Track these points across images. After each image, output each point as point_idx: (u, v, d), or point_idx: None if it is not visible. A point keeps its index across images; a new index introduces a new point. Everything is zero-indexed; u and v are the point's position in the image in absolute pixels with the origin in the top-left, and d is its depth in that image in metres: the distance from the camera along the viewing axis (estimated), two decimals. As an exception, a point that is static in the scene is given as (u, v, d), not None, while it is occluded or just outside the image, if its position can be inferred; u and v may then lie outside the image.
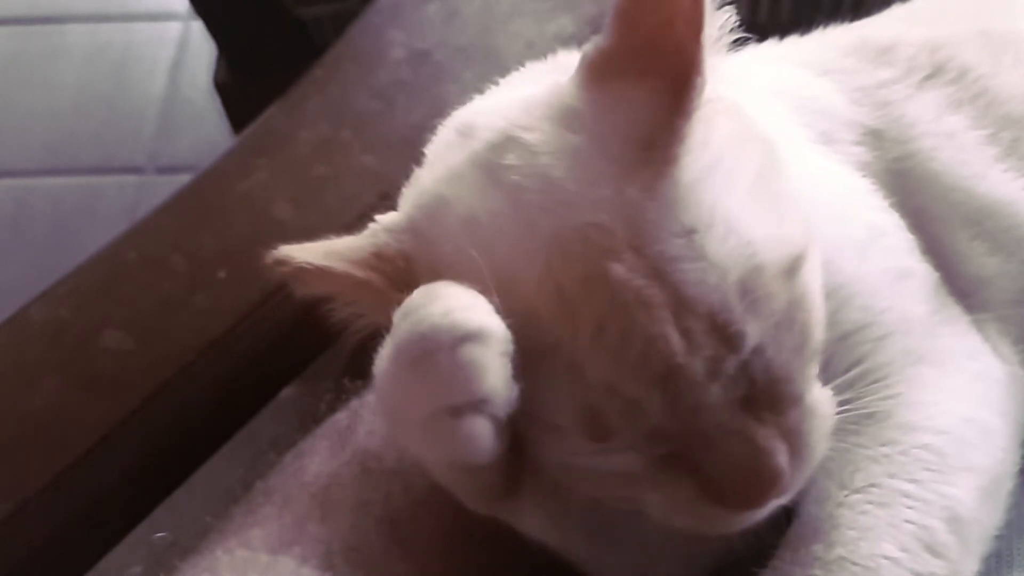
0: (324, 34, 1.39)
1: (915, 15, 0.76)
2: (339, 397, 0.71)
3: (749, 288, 0.50)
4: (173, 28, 2.00)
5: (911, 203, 0.65)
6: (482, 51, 0.91)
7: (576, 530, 0.60)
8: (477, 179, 0.54)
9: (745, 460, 0.51)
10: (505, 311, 0.49)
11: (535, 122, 0.54)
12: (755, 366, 0.51)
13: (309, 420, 0.70)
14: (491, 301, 0.50)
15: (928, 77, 0.69)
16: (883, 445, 0.58)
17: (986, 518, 0.59)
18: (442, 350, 0.48)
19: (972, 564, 0.58)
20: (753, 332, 0.50)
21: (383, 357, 0.52)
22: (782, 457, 0.52)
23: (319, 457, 0.67)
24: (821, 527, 0.57)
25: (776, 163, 0.55)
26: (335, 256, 0.55)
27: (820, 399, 0.54)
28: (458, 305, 0.49)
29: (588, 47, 0.54)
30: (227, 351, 0.79)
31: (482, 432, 0.49)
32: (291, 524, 0.63)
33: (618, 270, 0.49)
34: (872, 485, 0.57)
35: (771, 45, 0.73)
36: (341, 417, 0.70)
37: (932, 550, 0.56)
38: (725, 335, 0.50)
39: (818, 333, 0.54)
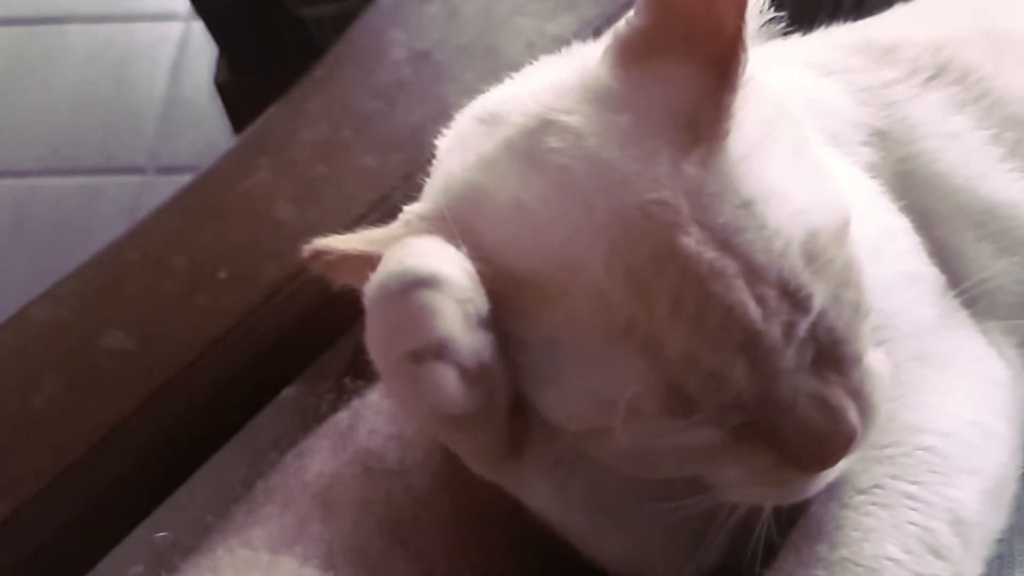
0: (325, 34, 1.39)
1: (917, 15, 0.76)
2: (340, 397, 0.71)
3: (811, 252, 0.51)
4: (174, 28, 2.00)
5: (917, 204, 0.65)
6: (483, 51, 0.91)
7: (578, 505, 0.60)
8: (518, 165, 0.53)
9: (821, 421, 0.51)
10: (567, 298, 0.50)
11: (573, 105, 0.53)
12: (821, 328, 0.51)
13: (311, 419, 0.70)
14: (547, 289, 0.50)
15: (932, 78, 0.69)
16: (887, 447, 0.58)
17: (989, 521, 0.59)
18: (395, 296, 0.49)
19: (975, 566, 0.58)
20: (819, 295, 0.51)
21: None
22: (854, 415, 0.52)
23: (320, 457, 0.67)
24: (824, 528, 0.57)
25: (806, 138, 0.56)
26: (376, 244, 0.54)
27: (876, 359, 0.55)
28: (414, 253, 0.50)
29: (620, 27, 0.54)
30: (228, 351, 0.79)
31: (444, 378, 0.49)
32: (292, 523, 0.63)
33: (688, 242, 0.49)
34: (876, 486, 0.57)
35: (773, 45, 0.73)
36: (342, 417, 0.70)
37: (935, 552, 0.56)
38: (796, 299, 0.50)
39: (868, 295, 0.54)
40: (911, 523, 0.56)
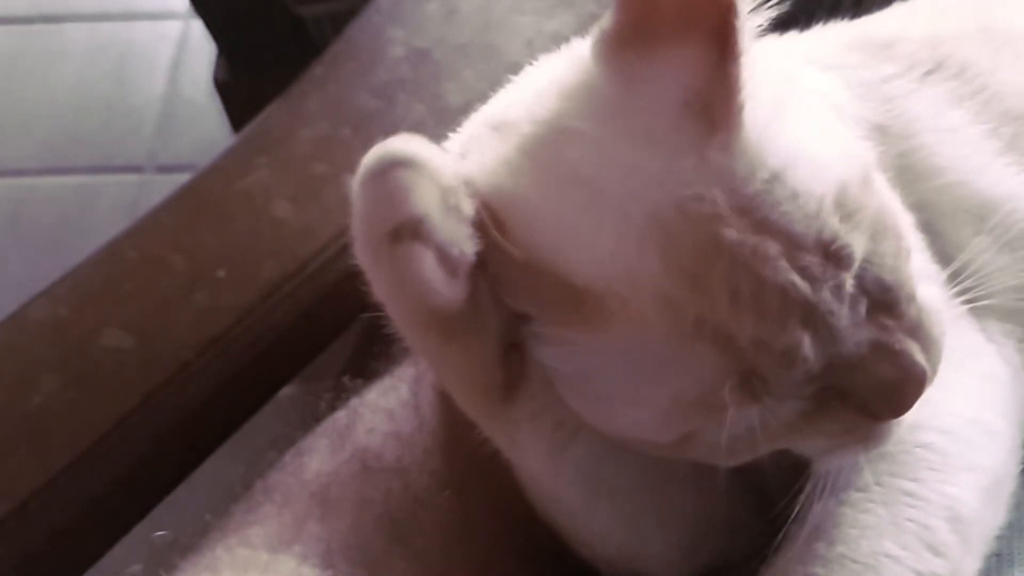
0: (324, 33, 1.39)
1: (915, 12, 0.76)
2: (339, 396, 0.71)
3: (843, 207, 0.51)
4: (173, 27, 2.00)
5: (917, 199, 0.65)
6: (482, 49, 0.91)
7: (573, 474, 0.59)
8: (544, 178, 0.53)
9: (890, 370, 0.52)
10: (631, 308, 0.50)
11: (582, 109, 0.53)
12: (868, 280, 0.52)
13: (309, 418, 0.70)
14: (605, 303, 0.51)
15: (929, 72, 0.69)
16: None
17: (988, 518, 0.59)
18: (376, 177, 0.50)
19: (973, 563, 0.58)
20: (858, 247, 0.51)
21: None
22: (919, 355, 0.53)
23: (319, 455, 0.67)
24: (822, 524, 0.57)
25: (810, 96, 0.57)
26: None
27: (928, 294, 0.55)
28: (399, 140, 0.51)
29: (604, 22, 0.53)
30: (227, 349, 0.79)
31: (421, 255, 0.49)
32: (291, 522, 0.63)
33: (731, 234, 0.50)
34: (874, 483, 0.57)
35: (769, 41, 0.73)
36: (341, 415, 0.70)
37: (933, 549, 0.56)
38: (838, 258, 0.51)
39: (908, 233, 0.54)
40: (909, 520, 0.56)
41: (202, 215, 0.85)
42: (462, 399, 0.57)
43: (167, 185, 0.90)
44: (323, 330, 0.84)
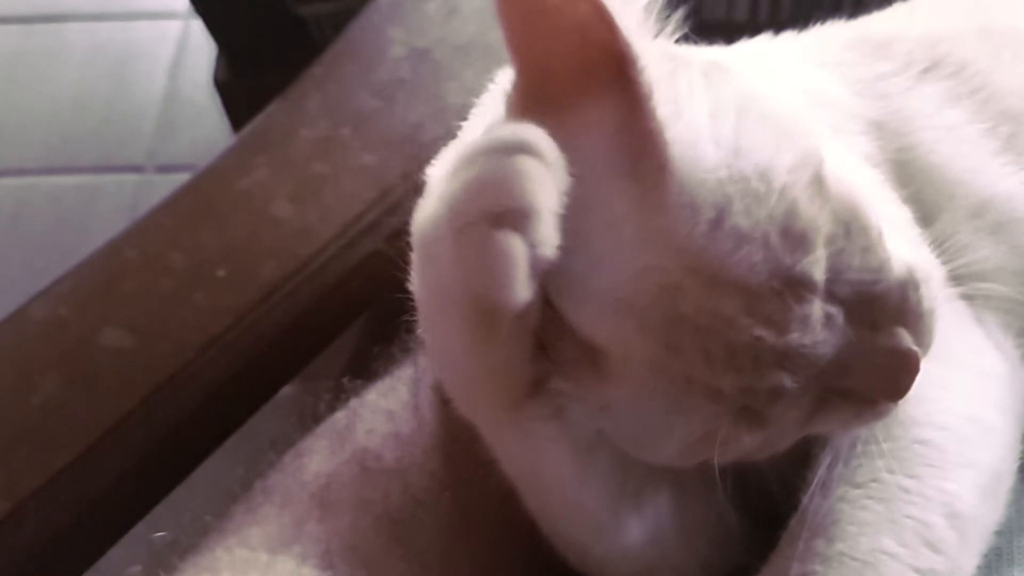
0: (324, 32, 1.39)
1: (914, 12, 0.76)
2: (338, 396, 0.71)
3: (791, 226, 0.51)
4: (173, 27, 2.00)
5: (915, 195, 0.65)
6: (482, 49, 0.91)
7: (599, 477, 0.58)
8: None
9: (881, 364, 0.53)
10: (631, 366, 0.51)
11: None
12: (838, 288, 0.52)
13: (308, 419, 0.70)
14: (612, 357, 0.52)
15: (927, 70, 0.69)
16: (885, 440, 0.58)
17: (986, 515, 0.59)
18: (498, 152, 0.48)
19: (971, 560, 0.58)
20: (818, 264, 0.51)
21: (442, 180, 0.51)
22: (907, 340, 0.53)
23: (318, 456, 0.67)
24: (821, 522, 0.57)
25: (748, 86, 0.55)
26: None
27: (916, 263, 0.55)
28: (525, 127, 0.49)
29: (508, 91, 0.53)
30: (226, 349, 0.79)
31: (516, 248, 0.47)
32: (290, 523, 0.63)
33: (688, 306, 0.50)
34: (872, 480, 0.58)
35: (765, 40, 0.73)
36: (340, 416, 0.70)
37: (931, 546, 0.56)
38: (800, 284, 0.51)
39: (872, 217, 0.53)
40: (908, 517, 0.56)
41: (202, 215, 0.85)
42: (479, 398, 0.55)
43: (167, 185, 0.90)
44: (323, 330, 0.84)
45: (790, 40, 0.73)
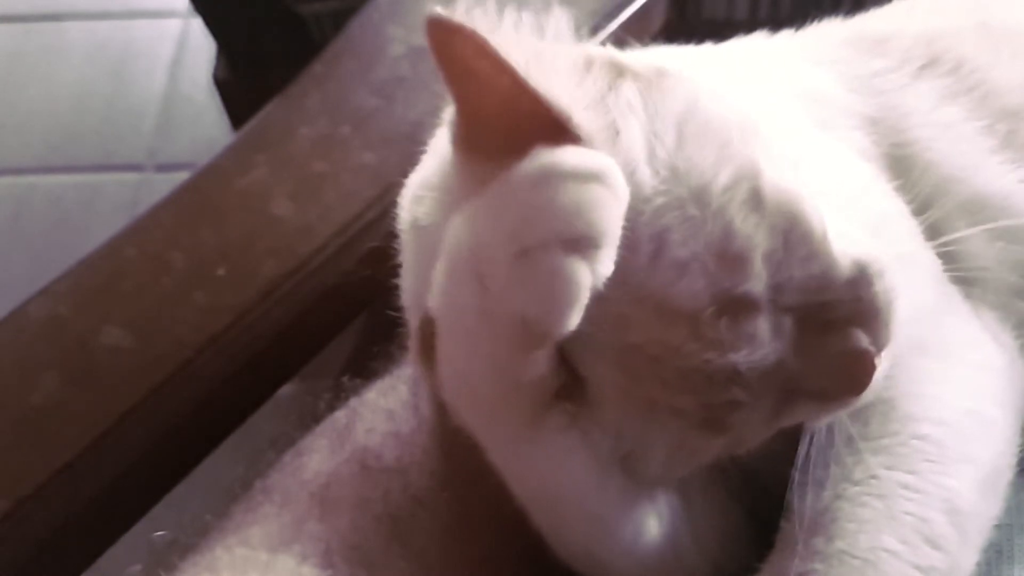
0: (323, 31, 1.39)
1: (913, 8, 0.76)
2: (338, 395, 0.71)
3: (727, 248, 0.51)
4: (173, 25, 2.00)
5: (911, 191, 0.65)
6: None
7: (617, 486, 0.58)
8: None
9: (836, 367, 0.53)
10: (605, 391, 0.53)
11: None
12: (785, 298, 0.52)
13: (308, 418, 0.70)
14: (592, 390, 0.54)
15: (924, 67, 0.69)
16: (883, 436, 0.58)
17: (985, 510, 0.59)
18: (573, 179, 0.48)
19: (971, 556, 0.58)
20: (758, 281, 0.51)
21: (481, 198, 0.50)
22: (860, 341, 0.53)
23: (318, 455, 0.67)
24: (820, 520, 0.57)
25: (692, 94, 0.55)
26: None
27: (869, 257, 0.55)
28: (596, 155, 0.49)
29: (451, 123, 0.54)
30: (226, 348, 0.79)
31: (585, 280, 0.47)
32: (290, 522, 0.63)
33: (637, 336, 0.51)
34: (871, 477, 0.58)
35: (761, 38, 0.73)
36: (340, 415, 0.70)
37: (932, 542, 0.56)
38: (742, 303, 0.51)
39: (814, 220, 0.53)
40: (907, 513, 0.56)
41: (202, 213, 0.85)
42: (498, 416, 0.55)
43: (167, 183, 0.90)
44: (323, 329, 0.84)
45: (788, 38, 0.73)
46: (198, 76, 1.82)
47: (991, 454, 0.60)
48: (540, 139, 0.50)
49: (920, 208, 0.65)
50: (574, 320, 0.48)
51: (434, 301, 0.52)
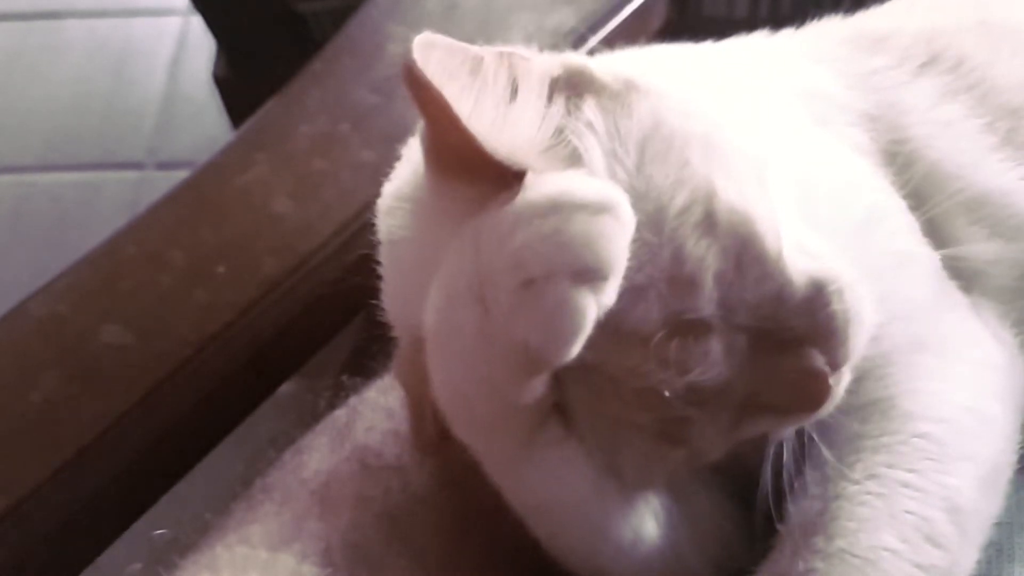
0: (323, 29, 1.39)
1: (914, 7, 0.76)
2: (338, 394, 0.71)
3: (679, 272, 0.51)
4: (172, 23, 2.00)
5: (909, 188, 0.65)
6: (482, 44, 0.91)
7: (614, 488, 0.58)
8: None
9: (790, 385, 0.53)
10: (577, 403, 0.54)
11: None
12: (738, 318, 0.53)
13: (308, 417, 0.70)
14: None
15: (924, 65, 0.69)
16: (883, 435, 0.58)
17: (986, 507, 0.59)
18: (583, 210, 0.48)
19: (972, 554, 0.58)
20: (708, 303, 0.52)
21: (485, 224, 0.50)
22: (814, 361, 0.53)
23: (318, 454, 0.67)
24: (820, 519, 0.57)
25: (657, 107, 0.56)
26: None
27: (823, 274, 0.54)
28: (604, 186, 0.50)
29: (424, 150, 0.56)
30: (226, 346, 0.79)
31: (591, 312, 0.48)
32: (290, 521, 0.63)
33: (596, 358, 0.51)
34: (871, 476, 0.57)
35: (762, 36, 0.73)
36: (340, 414, 0.70)
37: (932, 541, 0.56)
38: (693, 325, 0.52)
39: (768, 241, 0.53)
40: (907, 512, 0.56)
41: (201, 211, 0.85)
42: (496, 436, 0.55)
43: (167, 181, 0.90)
44: (323, 326, 0.84)
45: (789, 37, 0.73)
46: (198, 74, 1.82)
47: (991, 451, 0.60)
48: (505, 175, 0.51)
49: (918, 205, 0.65)
50: (576, 349, 0.48)
51: (430, 319, 0.52)
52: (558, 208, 0.48)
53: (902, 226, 0.64)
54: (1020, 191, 0.66)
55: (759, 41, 0.73)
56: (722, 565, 0.62)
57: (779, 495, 0.59)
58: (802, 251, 0.55)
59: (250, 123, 0.91)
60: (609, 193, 0.49)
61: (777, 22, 0.74)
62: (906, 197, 0.65)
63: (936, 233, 0.64)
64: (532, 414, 0.54)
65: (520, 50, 0.56)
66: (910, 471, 0.57)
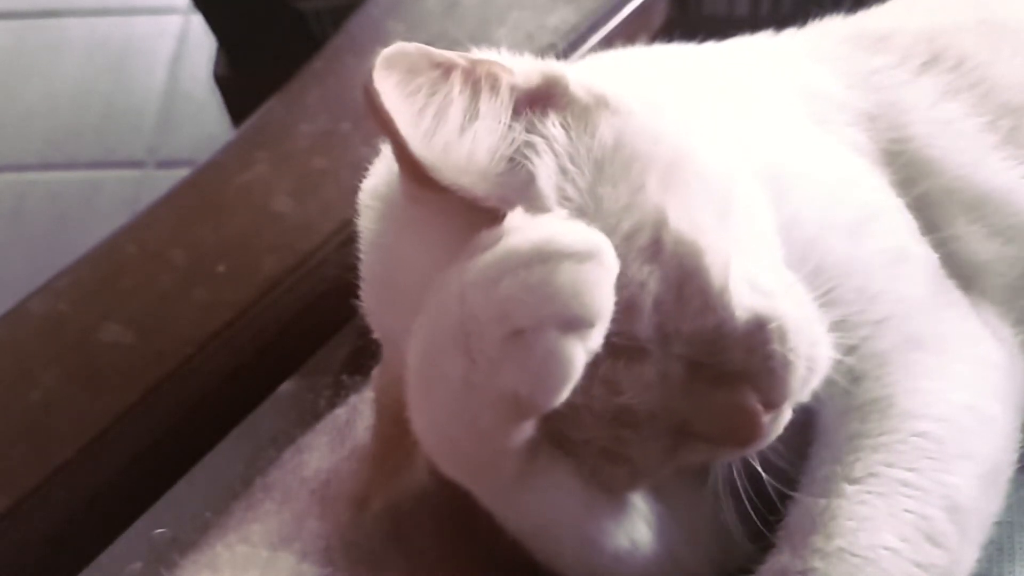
0: (324, 27, 1.39)
1: (915, 6, 0.76)
2: (338, 393, 0.71)
3: (618, 299, 0.50)
4: (173, 22, 2.00)
5: (908, 187, 0.65)
6: (482, 43, 0.91)
7: (605, 502, 0.59)
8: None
9: (721, 420, 0.53)
10: None
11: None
12: (676, 347, 0.52)
13: (308, 416, 0.70)
14: None
15: (925, 64, 0.69)
16: (881, 434, 0.58)
17: (985, 506, 0.59)
18: (568, 258, 0.48)
19: (972, 552, 0.58)
20: (645, 330, 0.52)
21: (469, 271, 0.50)
22: (746, 399, 0.53)
23: (319, 453, 0.67)
24: (819, 518, 0.57)
25: (623, 126, 0.56)
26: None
27: (769, 311, 0.54)
28: (585, 230, 0.49)
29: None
30: (226, 345, 0.79)
31: (580, 361, 0.48)
32: (291, 520, 0.63)
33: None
34: (870, 475, 0.57)
35: (766, 36, 0.73)
36: (340, 413, 0.70)
37: (932, 540, 0.56)
38: (628, 350, 0.52)
39: (714, 274, 0.53)
40: (907, 511, 0.56)
41: (202, 210, 0.85)
42: (485, 474, 0.55)
43: (167, 180, 0.90)
44: (323, 326, 0.84)
45: (792, 37, 0.74)
46: (198, 72, 1.82)
47: (991, 450, 0.60)
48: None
49: (917, 203, 0.65)
50: (565, 395, 0.48)
51: (413, 363, 0.52)
52: (543, 257, 0.48)
53: (898, 224, 0.64)
54: (1021, 190, 0.66)
55: (762, 41, 0.73)
56: (721, 565, 0.62)
57: (779, 495, 0.59)
58: (753, 287, 0.54)
59: (251, 122, 0.91)
60: (593, 240, 0.48)
61: (778, 21, 0.74)
62: (905, 196, 0.65)
63: (935, 232, 0.64)
64: (520, 452, 0.53)
65: (500, 57, 0.56)
66: (909, 470, 0.57)
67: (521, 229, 0.49)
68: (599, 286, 0.48)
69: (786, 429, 0.56)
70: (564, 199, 0.53)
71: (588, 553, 0.58)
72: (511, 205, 0.52)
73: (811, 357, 0.55)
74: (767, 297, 0.54)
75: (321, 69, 0.91)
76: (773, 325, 0.54)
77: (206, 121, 1.76)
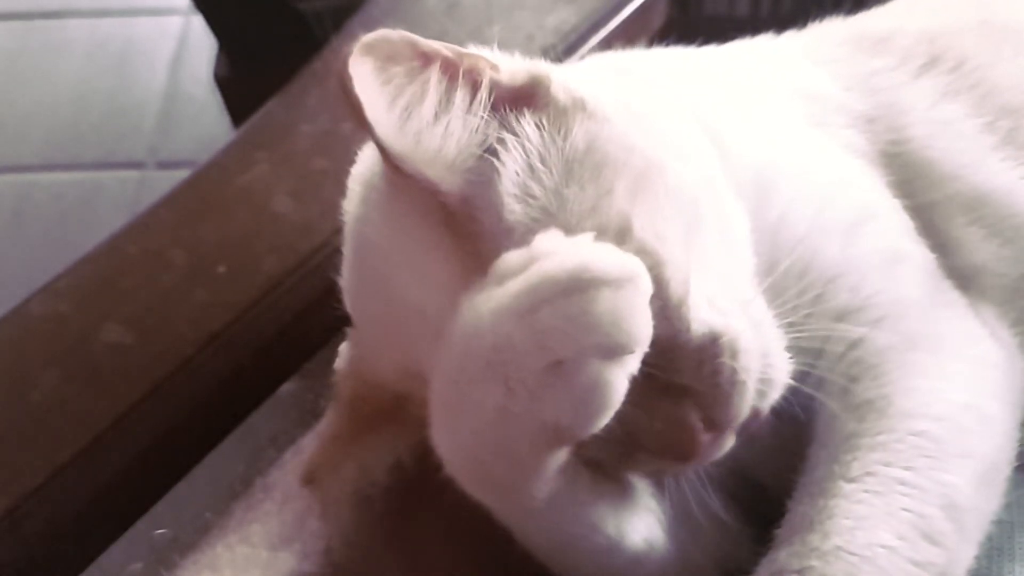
0: (324, 28, 1.39)
1: (915, 7, 0.76)
2: (338, 393, 0.71)
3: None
4: (173, 23, 2.00)
5: (906, 186, 0.65)
6: (482, 44, 0.91)
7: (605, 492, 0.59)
8: None
9: (662, 432, 0.53)
10: None
11: None
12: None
13: (309, 416, 0.70)
14: None
15: (925, 65, 0.69)
16: (879, 433, 0.58)
17: (983, 505, 0.59)
18: (606, 286, 0.47)
19: (969, 551, 0.58)
20: None
21: (502, 298, 0.49)
22: (687, 414, 0.53)
23: (319, 453, 0.67)
24: (817, 517, 0.57)
25: (606, 133, 0.56)
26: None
27: (723, 328, 0.54)
28: (621, 255, 0.49)
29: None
30: (227, 346, 0.79)
31: (620, 386, 0.48)
32: (291, 520, 0.63)
33: None
34: (868, 474, 0.57)
35: (767, 39, 0.73)
36: (340, 413, 0.70)
37: (929, 538, 0.56)
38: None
39: (675, 284, 0.53)
40: (904, 509, 0.56)
41: (202, 211, 0.85)
42: (514, 497, 0.55)
43: (168, 181, 0.90)
44: (323, 326, 0.84)
45: (792, 39, 0.74)
46: (199, 73, 1.82)
47: (989, 449, 0.60)
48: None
49: (915, 205, 0.65)
50: (606, 422, 0.48)
51: (440, 387, 0.51)
52: (581, 285, 0.47)
53: (893, 225, 0.64)
54: (1019, 191, 0.66)
55: (763, 43, 0.73)
56: (727, 565, 0.62)
57: (779, 495, 0.59)
58: (711, 304, 0.54)
59: (251, 122, 0.91)
60: (628, 264, 0.48)
61: (778, 21, 0.74)
62: (903, 197, 0.65)
63: (934, 233, 0.64)
64: (553, 476, 0.53)
65: (491, 54, 0.56)
66: (907, 468, 0.57)
67: (554, 254, 0.48)
68: (638, 311, 0.47)
69: (785, 429, 0.56)
70: (529, 197, 0.53)
71: (607, 560, 0.59)
72: (469, 205, 0.52)
73: (766, 375, 0.55)
74: (724, 315, 0.54)
75: (321, 70, 0.92)
76: (725, 339, 0.54)
77: (206, 122, 1.77)
